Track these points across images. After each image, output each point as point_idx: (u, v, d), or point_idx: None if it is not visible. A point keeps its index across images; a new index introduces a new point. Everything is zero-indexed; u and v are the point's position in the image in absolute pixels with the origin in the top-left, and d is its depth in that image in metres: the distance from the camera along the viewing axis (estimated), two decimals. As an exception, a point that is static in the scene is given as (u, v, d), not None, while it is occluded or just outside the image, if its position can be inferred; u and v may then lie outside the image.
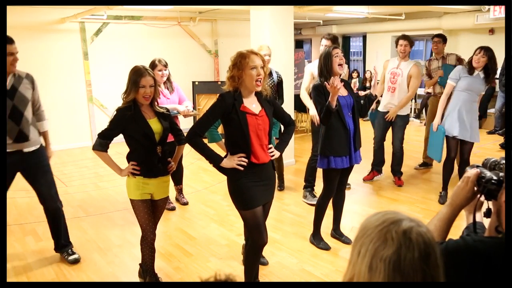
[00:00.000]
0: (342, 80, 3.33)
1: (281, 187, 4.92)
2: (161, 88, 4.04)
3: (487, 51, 4.06)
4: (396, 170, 5.05)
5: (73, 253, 3.39)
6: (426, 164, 5.64)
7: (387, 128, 4.94)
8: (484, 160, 1.45)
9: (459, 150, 4.31)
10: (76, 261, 3.33)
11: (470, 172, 1.37)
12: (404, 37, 4.73)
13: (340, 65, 3.18)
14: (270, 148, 2.62)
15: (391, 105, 4.80)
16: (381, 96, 4.99)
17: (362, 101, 3.37)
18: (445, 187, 4.43)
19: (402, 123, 4.86)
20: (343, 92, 3.26)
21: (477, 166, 1.41)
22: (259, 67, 2.45)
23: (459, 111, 4.13)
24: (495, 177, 1.32)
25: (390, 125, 4.88)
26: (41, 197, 3.26)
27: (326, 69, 3.18)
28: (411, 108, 9.38)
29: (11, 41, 2.93)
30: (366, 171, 5.26)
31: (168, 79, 4.11)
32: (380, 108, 4.94)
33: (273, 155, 2.63)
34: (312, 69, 4.51)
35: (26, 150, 3.08)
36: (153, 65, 3.98)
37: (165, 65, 4.02)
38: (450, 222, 1.40)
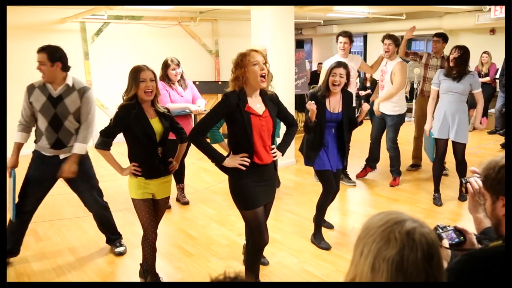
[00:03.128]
0: (345, 93, 3.37)
1: (278, 184, 4.88)
2: (175, 86, 4.17)
3: (461, 48, 4.09)
4: (392, 170, 5.02)
5: (121, 245, 3.50)
6: (416, 165, 5.57)
7: (382, 126, 4.95)
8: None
9: (453, 152, 4.31)
10: (121, 254, 3.43)
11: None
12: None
13: (335, 84, 3.25)
14: (273, 148, 2.62)
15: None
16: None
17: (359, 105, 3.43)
18: (437, 189, 4.43)
19: (393, 123, 4.80)
20: (336, 108, 3.35)
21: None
22: (261, 63, 2.45)
23: (444, 113, 4.19)
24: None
25: (385, 123, 4.90)
26: (84, 202, 3.37)
27: (324, 84, 3.31)
28: (412, 109, 9.36)
29: (38, 50, 2.98)
30: (360, 168, 5.31)
31: (182, 76, 4.22)
32: (375, 106, 4.94)
33: (275, 156, 2.63)
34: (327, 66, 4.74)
35: (62, 156, 3.15)
36: (166, 65, 4.09)
37: (178, 64, 4.14)
38: None
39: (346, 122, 3.37)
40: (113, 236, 3.51)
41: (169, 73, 4.08)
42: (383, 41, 4.78)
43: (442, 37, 5.16)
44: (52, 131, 3.05)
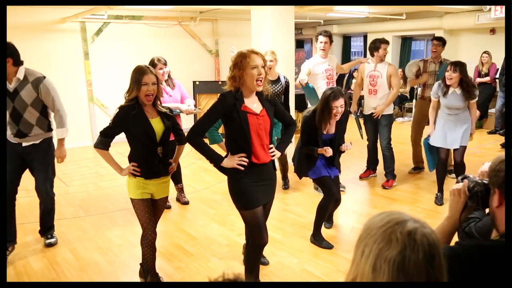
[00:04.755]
0: (342, 116, 3.39)
1: (286, 186, 4.98)
2: (163, 85, 4.11)
3: (457, 66, 4.02)
4: (387, 172, 4.94)
5: (52, 237, 3.65)
6: (418, 168, 5.48)
7: (376, 128, 4.94)
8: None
9: (453, 154, 4.32)
10: (50, 245, 3.59)
11: (459, 185, 1.46)
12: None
13: (337, 115, 3.29)
14: (271, 148, 2.62)
15: (377, 106, 4.82)
16: (359, 99, 5.23)
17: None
18: (440, 189, 4.43)
19: (387, 123, 4.84)
20: (331, 130, 3.44)
21: (462, 178, 1.48)
22: (260, 67, 2.45)
23: (443, 126, 4.20)
24: (484, 184, 1.39)
25: (377, 125, 4.92)
26: (36, 188, 3.50)
27: (323, 115, 3.29)
28: (412, 109, 9.36)
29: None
30: (362, 170, 5.34)
31: (169, 76, 4.18)
32: (366, 112, 4.96)
33: (273, 155, 2.63)
34: (309, 65, 4.69)
35: (25, 144, 3.33)
36: (152, 64, 4.03)
37: (165, 63, 4.08)
38: (451, 234, 1.49)
39: (338, 142, 3.46)
40: (49, 229, 3.66)
41: (157, 73, 4.02)
42: (380, 47, 4.76)
43: (442, 42, 5.16)
44: (13, 123, 3.24)
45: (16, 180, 3.40)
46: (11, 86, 3.16)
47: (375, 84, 4.81)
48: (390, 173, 4.93)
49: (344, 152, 3.53)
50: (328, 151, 3.26)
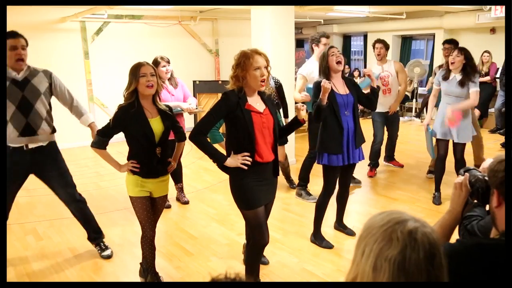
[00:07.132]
0: (345, 78, 3.36)
1: (293, 185, 4.92)
2: (166, 84, 4.10)
3: (463, 50, 4.01)
4: (388, 155, 5.49)
5: (106, 248, 3.42)
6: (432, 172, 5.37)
7: (384, 126, 5.23)
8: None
9: (453, 150, 4.30)
10: (109, 257, 3.36)
11: (461, 178, 1.47)
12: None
13: (338, 62, 3.21)
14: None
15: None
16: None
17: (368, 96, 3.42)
18: (437, 188, 4.41)
19: (397, 115, 5.30)
20: (343, 90, 3.27)
21: (465, 171, 1.47)
22: (262, 68, 2.44)
23: (443, 115, 4.15)
24: (485, 181, 1.40)
25: (385, 124, 5.21)
26: (58, 196, 3.28)
27: (327, 65, 3.24)
28: (412, 108, 9.37)
29: (12, 35, 2.90)
30: (362, 169, 5.31)
31: (172, 75, 4.18)
32: (379, 109, 4.94)
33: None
34: (303, 72, 4.49)
35: (31, 145, 3.04)
36: (155, 62, 4.04)
37: (168, 61, 4.10)
38: (452, 228, 1.51)
39: (355, 99, 3.29)
40: (95, 234, 3.43)
41: (159, 71, 3.99)
42: (374, 46, 5.01)
43: (454, 44, 4.97)
44: (21, 116, 2.96)
45: (14, 197, 3.15)
46: (19, 76, 2.97)
47: (387, 83, 5.03)
48: (390, 157, 5.60)
49: (376, 89, 3.35)
50: (325, 82, 2.96)
